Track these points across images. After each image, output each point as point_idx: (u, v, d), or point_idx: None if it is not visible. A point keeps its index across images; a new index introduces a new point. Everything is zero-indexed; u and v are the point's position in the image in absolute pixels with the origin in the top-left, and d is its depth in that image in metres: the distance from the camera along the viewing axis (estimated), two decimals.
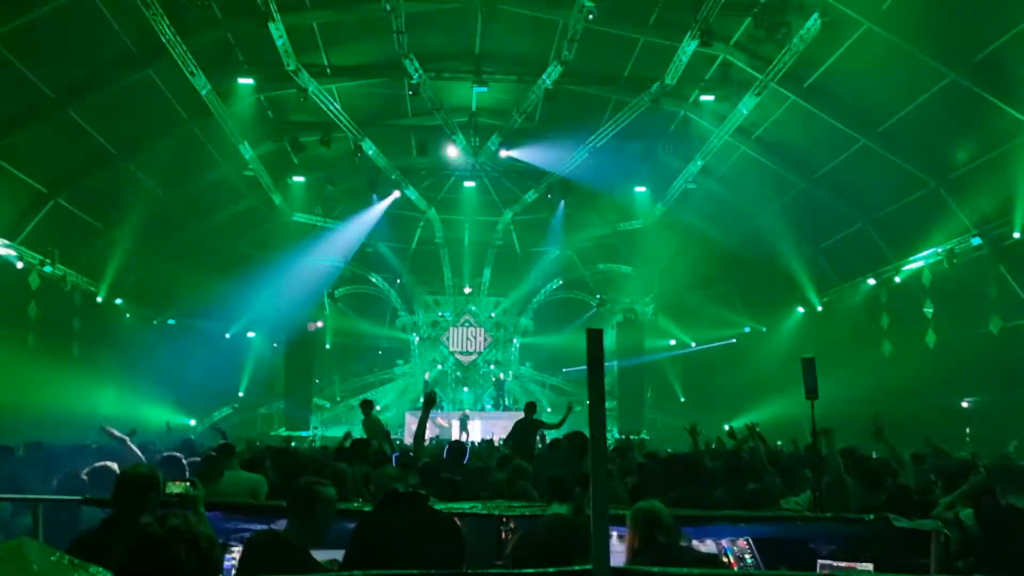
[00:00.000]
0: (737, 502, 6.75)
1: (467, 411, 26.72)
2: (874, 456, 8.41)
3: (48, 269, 19.95)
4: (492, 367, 31.87)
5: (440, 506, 4.60)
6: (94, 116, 18.82)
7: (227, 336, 28.34)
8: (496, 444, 16.00)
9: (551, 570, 2.63)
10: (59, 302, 20.97)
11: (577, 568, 2.63)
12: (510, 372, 31.74)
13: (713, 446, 11.90)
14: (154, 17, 16.63)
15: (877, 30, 16.22)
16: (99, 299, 22.81)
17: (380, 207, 27.38)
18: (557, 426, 12.77)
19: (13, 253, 18.77)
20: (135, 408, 20.58)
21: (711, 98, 21.64)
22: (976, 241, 17.93)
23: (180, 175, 23.21)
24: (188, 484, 4.24)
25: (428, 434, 13.73)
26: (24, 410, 17.32)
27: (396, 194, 27.28)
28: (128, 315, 24.38)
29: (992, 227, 17.45)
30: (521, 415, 13.26)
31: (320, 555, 4.19)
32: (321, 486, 4.23)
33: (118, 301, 23.66)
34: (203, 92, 19.47)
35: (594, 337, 2.45)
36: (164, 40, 17.29)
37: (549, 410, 26.23)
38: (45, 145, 18.21)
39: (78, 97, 18.00)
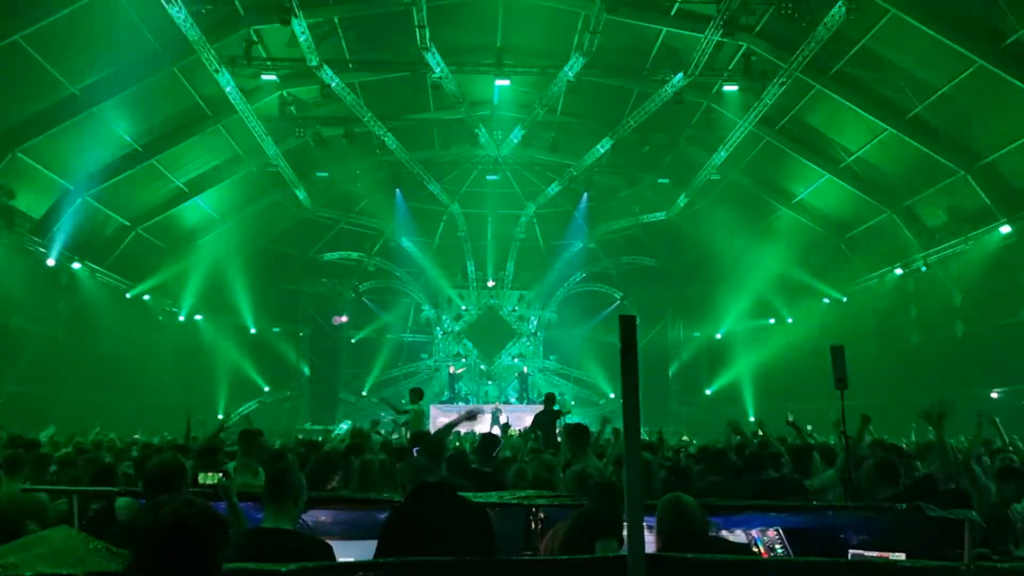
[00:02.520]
0: (757, 492, 6.72)
1: (498, 404, 26.76)
2: (905, 446, 8.34)
3: (77, 266, 20.19)
4: (516, 360, 31.88)
5: (470, 496, 4.62)
6: (120, 114, 19.00)
7: (252, 331, 28.55)
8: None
9: (586, 556, 2.63)
10: (88, 299, 21.24)
11: (612, 555, 2.63)
12: (534, 365, 31.73)
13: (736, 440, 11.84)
14: (178, 15, 16.74)
15: (903, 16, 16.03)
16: (128, 295, 23.07)
17: None
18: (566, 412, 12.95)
19: (43, 250, 19.01)
20: (165, 402, 20.81)
21: (734, 88, 21.46)
22: (1005, 229, 17.69)
23: (205, 171, 23.40)
24: (221, 475, 4.28)
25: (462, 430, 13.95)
26: (54, 404, 17.57)
27: None
28: (156, 311, 24.64)
29: (1022, 215, 17.21)
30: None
31: (347, 546, 4.23)
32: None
33: (146, 298, 23.91)
34: (227, 89, 19.59)
35: (627, 324, 2.44)
36: (188, 38, 17.41)
37: (573, 403, 26.17)
38: (71, 143, 18.42)
39: (104, 95, 18.16)
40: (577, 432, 7.56)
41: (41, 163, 18.16)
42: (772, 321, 27.86)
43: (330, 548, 3.95)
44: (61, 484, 5.93)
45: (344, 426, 19.64)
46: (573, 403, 17.88)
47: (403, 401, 15.74)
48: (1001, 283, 18.35)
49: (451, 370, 30.39)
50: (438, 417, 25.01)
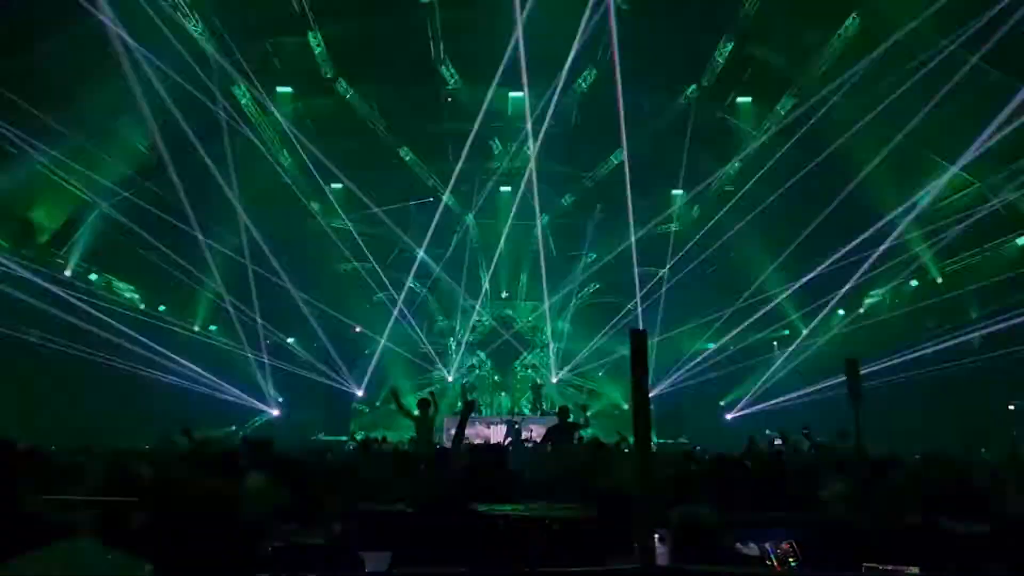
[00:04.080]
0: (777, 504, 6.70)
1: (513, 417, 26.76)
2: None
3: (93, 277, 20.36)
4: (530, 371, 31.86)
5: (483, 508, 4.63)
6: (135, 128, 19.16)
7: (266, 342, 28.62)
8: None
9: (599, 568, 2.64)
10: (104, 310, 21.37)
11: (627, 566, 2.64)
12: (548, 376, 31.70)
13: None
14: (195, 28, 16.94)
15: (918, 27, 15.99)
16: (142, 307, 23.22)
17: None
18: (584, 425, 12.96)
19: (60, 262, 19.19)
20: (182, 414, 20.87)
21: (748, 99, 21.48)
22: (1022, 241, 17.61)
23: (221, 184, 23.50)
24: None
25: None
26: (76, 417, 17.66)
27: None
28: (170, 322, 24.76)
29: None
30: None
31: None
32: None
33: (161, 308, 24.05)
34: (243, 102, 19.78)
35: (638, 337, 2.46)
36: (205, 51, 17.60)
37: (588, 413, 26.10)
38: (90, 156, 18.57)
39: (121, 109, 18.30)
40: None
41: (59, 176, 18.32)
42: (787, 333, 27.74)
43: (361, 560, 3.99)
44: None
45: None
46: (588, 414, 17.80)
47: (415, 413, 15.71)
48: (1019, 294, 18.23)
49: (464, 382, 30.39)
50: (450, 428, 25.01)
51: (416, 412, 12.96)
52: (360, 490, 6.71)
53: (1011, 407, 18.58)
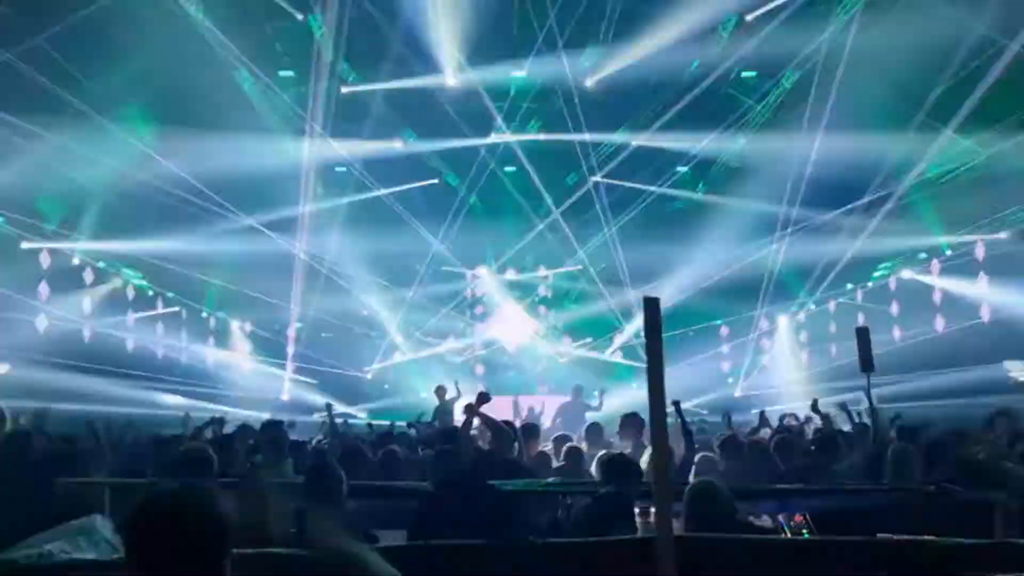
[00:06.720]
0: (787, 477, 6.74)
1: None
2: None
3: (102, 265, 20.45)
4: (537, 349, 31.76)
5: (498, 483, 4.64)
6: (138, 115, 19.10)
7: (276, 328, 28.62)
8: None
9: (625, 537, 2.64)
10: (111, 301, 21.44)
11: (642, 536, 2.64)
12: (556, 353, 31.59)
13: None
14: (196, 12, 16.89)
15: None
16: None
17: None
18: (597, 408, 12.96)
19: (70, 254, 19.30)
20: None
21: (753, 74, 21.36)
22: None
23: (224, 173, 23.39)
24: (249, 465, 4.33)
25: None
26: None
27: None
28: (181, 315, 24.80)
29: None
30: (567, 398, 13.48)
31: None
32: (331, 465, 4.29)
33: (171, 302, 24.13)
34: (245, 87, 19.75)
35: (651, 305, 2.44)
36: (206, 36, 17.54)
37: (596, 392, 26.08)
38: (88, 146, 18.50)
39: (120, 98, 18.24)
40: (632, 421, 7.56)
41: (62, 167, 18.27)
42: (794, 309, 27.68)
43: (375, 537, 3.99)
44: None
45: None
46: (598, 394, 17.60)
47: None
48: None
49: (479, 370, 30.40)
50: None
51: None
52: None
53: (1022, 379, 18.50)
